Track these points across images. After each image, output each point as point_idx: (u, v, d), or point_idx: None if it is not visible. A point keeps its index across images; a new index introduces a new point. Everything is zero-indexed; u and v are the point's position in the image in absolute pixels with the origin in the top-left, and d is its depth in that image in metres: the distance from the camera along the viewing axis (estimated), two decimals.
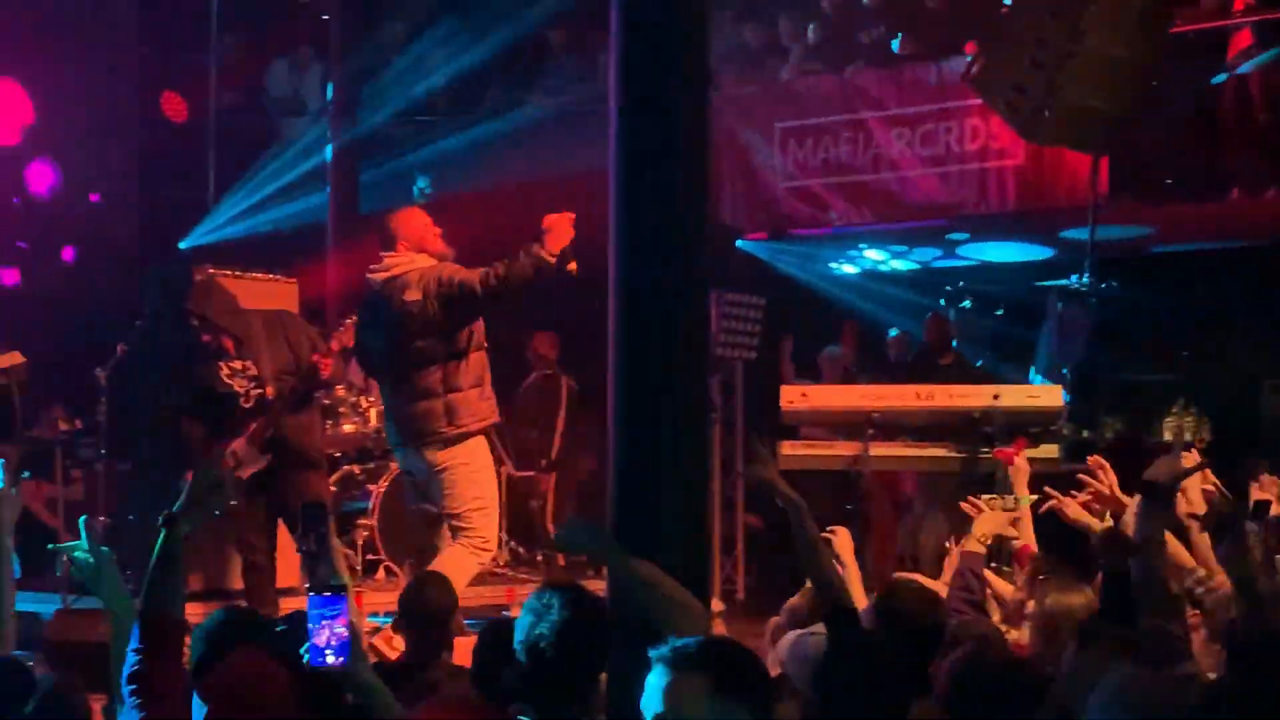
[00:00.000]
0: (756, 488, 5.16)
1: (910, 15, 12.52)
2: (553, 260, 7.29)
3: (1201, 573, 5.23)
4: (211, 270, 8.92)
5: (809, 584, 5.20)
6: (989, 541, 5.71)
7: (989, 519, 5.82)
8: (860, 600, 5.35)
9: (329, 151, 12.35)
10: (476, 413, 7.69)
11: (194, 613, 8.05)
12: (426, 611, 5.40)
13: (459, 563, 7.53)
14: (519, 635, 3.81)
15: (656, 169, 4.47)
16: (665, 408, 4.55)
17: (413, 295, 7.56)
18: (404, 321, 7.62)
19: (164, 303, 9.19)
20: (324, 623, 3.54)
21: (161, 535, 3.86)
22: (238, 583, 8.78)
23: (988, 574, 5.85)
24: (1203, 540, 5.44)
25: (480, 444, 7.78)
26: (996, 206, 11.66)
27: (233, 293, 8.37)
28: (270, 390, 8.11)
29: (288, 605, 8.04)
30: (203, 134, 13.12)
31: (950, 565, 6.17)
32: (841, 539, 6.12)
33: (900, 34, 12.44)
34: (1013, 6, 9.26)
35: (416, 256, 7.68)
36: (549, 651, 3.74)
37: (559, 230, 7.32)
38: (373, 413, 10.11)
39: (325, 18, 12.27)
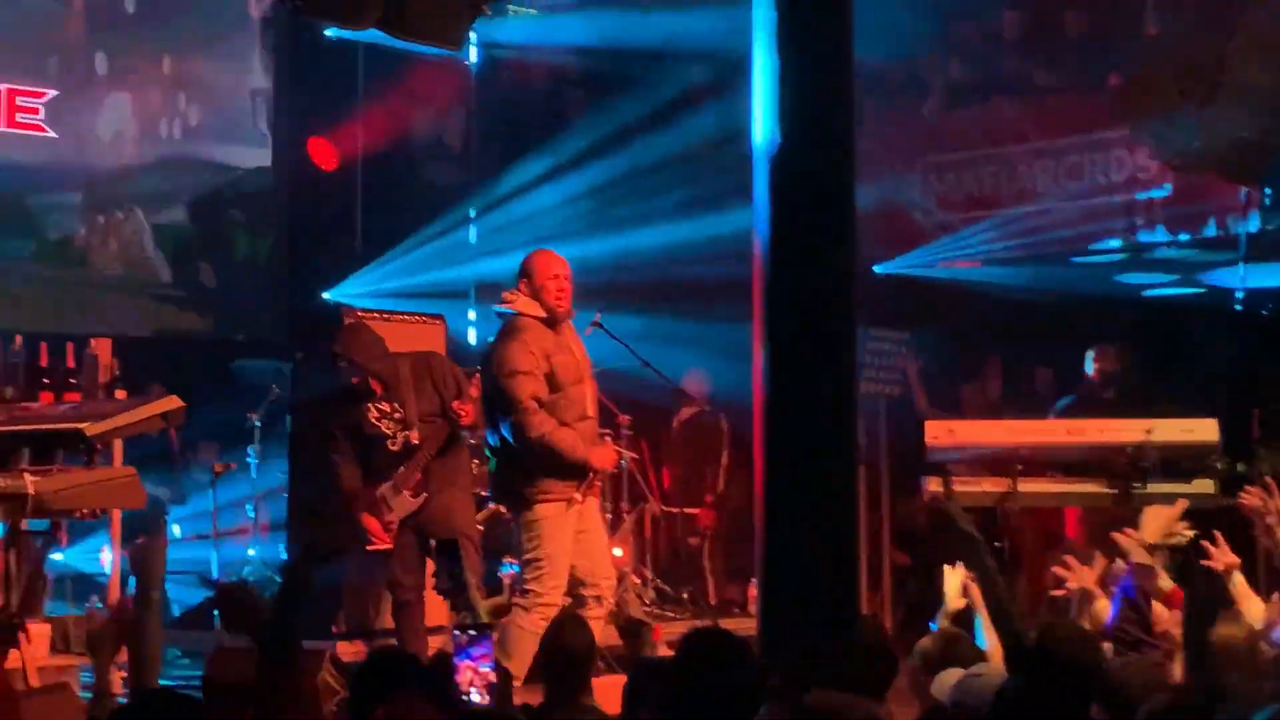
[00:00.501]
0: (910, 523, 5.12)
1: (1052, 47, 12.42)
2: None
3: None
4: (359, 313, 9.06)
5: (941, 626, 5.15)
6: (1160, 539, 5.51)
7: (1156, 515, 5.61)
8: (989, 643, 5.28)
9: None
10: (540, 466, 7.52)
11: (344, 652, 8.26)
12: (562, 654, 5.36)
13: (516, 624, 7.11)
14: (668, 679, 3.81)
15: (803, 214, 4.49)
16: (811, 445, 4.56)
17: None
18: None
19: (313, 346, 9.37)
20: (468, 661, 3.60)
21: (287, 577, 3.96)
22: (387, 622, 8.89)
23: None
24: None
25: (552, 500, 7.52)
26: (1145, 238, 11.51)
27: (381, 335, 8.50)
28: (416, 434, 8.21)
29: (436, 644, 8.15)
30: (349, 181, 13.35)
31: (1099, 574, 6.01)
32: (952, 580, 6.06)
33: (1042, 66, 12.35)
34: (1158, 36, 9.15)
35: (531, 303, 7.64)
36: (693, 698, 3.70)
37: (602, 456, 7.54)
38: None
39: (468, 63, 12.45)
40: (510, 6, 13.41)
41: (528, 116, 14.24)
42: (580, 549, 7.49)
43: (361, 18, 6.82)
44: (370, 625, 9.15)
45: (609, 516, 10.63)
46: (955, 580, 5.66)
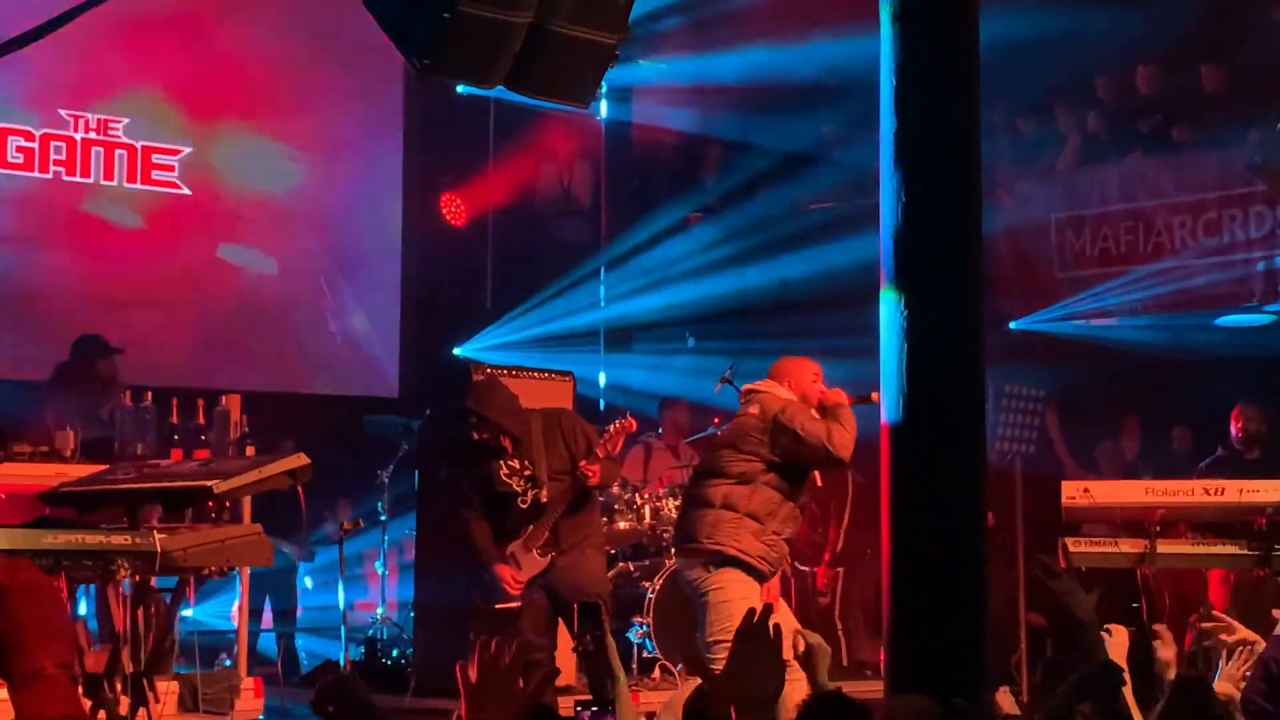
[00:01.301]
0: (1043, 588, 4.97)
1: (1188, 101, 12.25)
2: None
3: None
4: (488, 369, 9.10)
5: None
6: None
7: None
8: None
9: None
10: (741, 542, 7.59)
11: None
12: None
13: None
14: None
15: (929, 266, 4.43)
16: (940, 506, 4.47)
17: (754, 409, 7.65)
18: (731, 430, 7.77)
19: (442, 402, 9.41)
20: None
21: None
22: None
23: None
24: None
25: (743, 580, 7.54)
26: None
27: (513, 392, 8.52)
28: (545, 492, 8.20)
29: (566, 705, 8.10)
30: (479, 237, 13.45)
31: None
32: (1117, 640, 5.90)
33: (1179, 121, 12.18)
34: None
35: (789, 393, 7.77)
36: None
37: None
38: (647, 509, 10.15)
39: (599, 119, 12.52)
40: (639, 59, 13.48)
41: (658, 171, 14.31)
42: None
43: (490, 76, 6.84)
44: None
45: None
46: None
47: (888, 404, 4.68)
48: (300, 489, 6.33)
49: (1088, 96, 12.92)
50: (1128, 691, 4.91)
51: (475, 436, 8.24)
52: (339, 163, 13.00)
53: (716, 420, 11.42)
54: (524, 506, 8.19)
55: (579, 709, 3.68)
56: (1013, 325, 12.55)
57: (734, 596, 7.46)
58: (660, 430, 11.58)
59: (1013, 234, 12.80)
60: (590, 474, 8.10)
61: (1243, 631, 5.49)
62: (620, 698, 4.82)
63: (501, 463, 8.24)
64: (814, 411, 7.64)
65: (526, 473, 8.21)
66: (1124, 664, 5.68)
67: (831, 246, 12.43)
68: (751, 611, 3.36)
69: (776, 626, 3.56)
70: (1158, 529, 9.15)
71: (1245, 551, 9.04)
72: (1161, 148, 12.27)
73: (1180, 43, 12.20)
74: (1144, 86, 12.66)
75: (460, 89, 12.22)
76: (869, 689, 8.08)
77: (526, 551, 8.22)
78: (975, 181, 4.56)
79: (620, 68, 8.60)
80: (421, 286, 13.29)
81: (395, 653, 10.31)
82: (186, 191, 12.12)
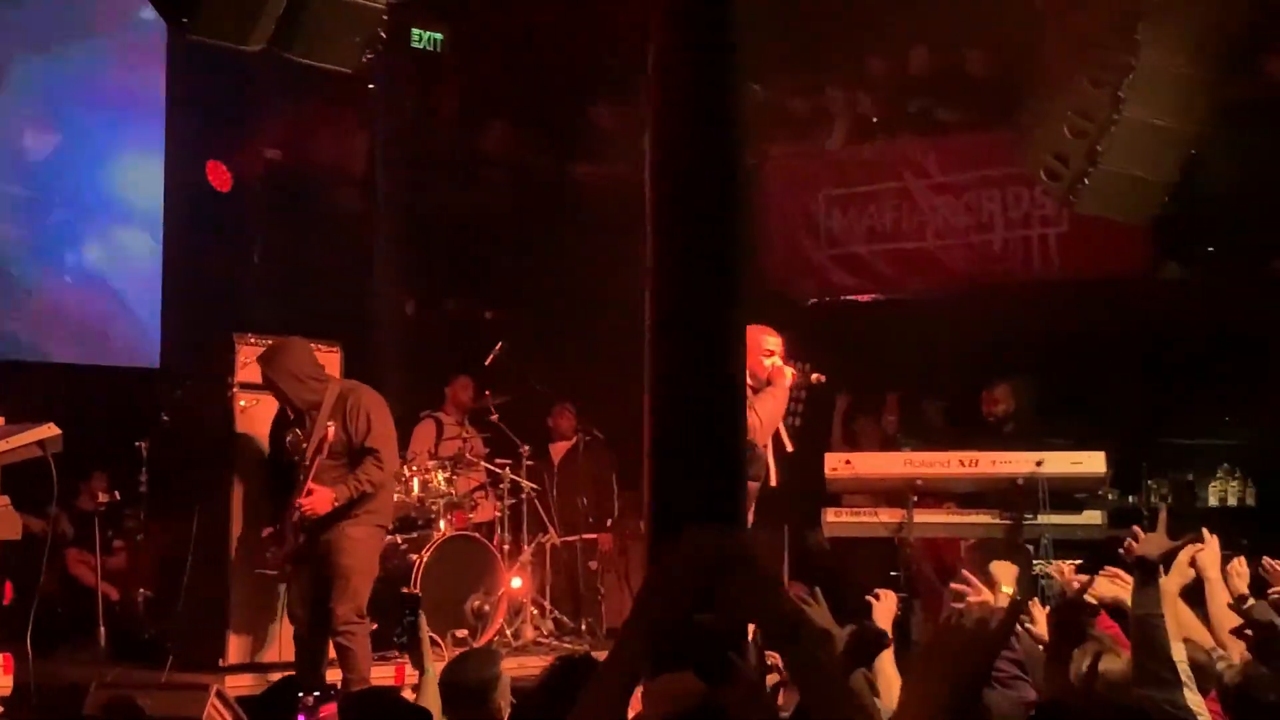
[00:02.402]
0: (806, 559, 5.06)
1: (956, 84, 12.56)
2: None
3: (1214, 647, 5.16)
4: (253, 338, 8.95)
5: None
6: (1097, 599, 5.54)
7: (1008, 570, 5.67)
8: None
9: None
10: None
11: (232, 685, 8.11)
12: (465, 686, 5.29)
13: None
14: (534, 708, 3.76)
15: (687, 240, 4.46)
16: (698, 473, 4.51)
17: None
18: None
19: (204, 372, 9.24)
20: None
21: None
22: (270, 655, 8.78)
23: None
24: (1220, 612, 5.36)
25: None
26: (1041, 274, 11.64)
27: (314, 359, 8.35)
28: (316, 465, 8.11)
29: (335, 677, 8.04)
30: (247, 203, 13.20)
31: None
32: (884, 605, 6.05)
33: (946, 103, 12.48)
34: (1052, 75, 9.25)
35: None
36: None
37: None
38: (416, 482, 10.07)
39: (370, 86, 12.35)
40: (414, 30, 13.36)
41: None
42: None
43: (252, 36, 6.75)
44: (261, 658, 8.98)
45: (507, 547, 10.58)
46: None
47: (650, 376, 4.69)
48: (52, 460, 6.17)
49: (859, 77, 13.16)
50: (889, 654, 5.06)
51: (242, 402, 8.15)
52: (99, 127, 12.64)
53: (488, 394, 11.43)
54: (300, 478, 8.11)
55: (301, 695, 3.68)
56: (780, 300, 12.74)
57: None
58: (445, 406, 11.52)
59: (783, 211, 12.99)
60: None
61: (987, 595, 5.67)
62: (424, 689, 4.77)
63: (291, 430, 8.15)
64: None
65: (303, 445, 8.12)
66: (889, 628, 5.83)
67: (603, 216, 12.47)
68: None
69: None
70: (915, 499, 9.44)
71: (997, 520, 9.37)
72: (928, 128, 12.56)
73: (949, 26, 12.49)
74: (914, 68, 12.94)
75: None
76: None
77: (289, 524, 8.15)
78: (737, 156, 4.61)
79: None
80: (186, 254, 13.00)
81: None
82: None
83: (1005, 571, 5.80)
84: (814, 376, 8.20)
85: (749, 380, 7.76)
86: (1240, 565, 5.66)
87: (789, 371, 7.87)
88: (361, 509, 8.15)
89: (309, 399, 8.12)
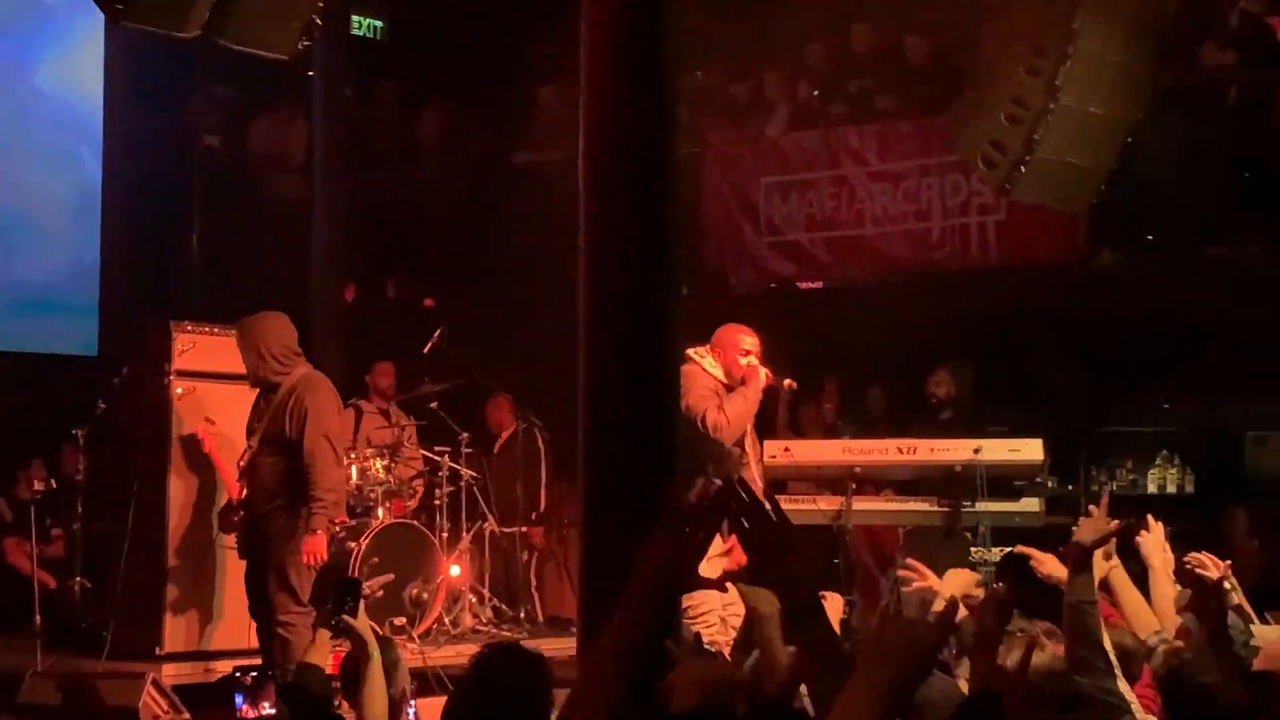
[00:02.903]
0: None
1: (895, 72, 12.61)
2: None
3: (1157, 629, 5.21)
4: (190, 326, 8.89)
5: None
6: (951, 597, 5.57)
7: (957, 579, 5.65)
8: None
9: None
10: None
11: (170, 674, 8.08)
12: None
13: None
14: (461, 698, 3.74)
15: (621, 228, 4.47)
16: (632, 460, 4.53)
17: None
18: None
19: (141, 360, 9.17)
20: (254, 703, 3.54)
21: None
22: (210, 643, 8.74)
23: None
24: (1163, 598, 5.41)
25: None
26: (978, 261, 11.71)
27: (283, 338, 8.19)
28: (250, 454, 8.06)
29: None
30: (187, 191, 13.11)
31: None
32: (830, 605, 6.06)
33: (884, 91, 12.53)
34: (990, 63, 9.30)
35: (715, 365, 7.83)
36: (484, 716, 3.63)
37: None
38: (354, 470, 10.03)
39: (310, 74, 12.27)
40: (354, 17, 13.30)
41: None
42: None
43: (187, 23, 6.70)
44: (203, 646, 8.93)
45: (446, 535, 10.56)
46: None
47: (585, 364, 4.70)
48: None
49: (799, 65, 13.18)
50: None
51: (179, 390, 8.11)
52: (34, 113, 12.52)
53: (427, 380, 11.40)
54: (242, 465, 8.06)
55: (237, 673, 3.63)
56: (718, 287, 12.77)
57: None
58: (370, 393, 11.46)
59: (723, 198, 13.01)
60: (305, 555, 7.88)
61: (934, 580, 5.68)
62: (369, 678, 4.72)
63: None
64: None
65: (253, 425, 8.08)
66: (835, 628, 5.83)
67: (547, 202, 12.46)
68: None
69: None
70: (854, 487, 9.46)
71: (936, 508, 9.41)
72: (867, 116, 12.60)
73: (887, 14, 12.54)
74: (851, 56, 12.98)
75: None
76: (567, 645, 8.17)
77: (232, 508, 8.13)
78: (670, 142, 4.62)
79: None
80: (124, 241, 12.90)
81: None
82: None
83: (956, 581, 5.73)
84: (786, 383, 8.29)
85: (724, 379, 7.84)
86: (1155, 532, 5.74)
87: (763, 373, 7.92)
88: (303, 499, 8.05)
89: (265, 378, 8.01)
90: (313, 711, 4.60)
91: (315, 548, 7.84)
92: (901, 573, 5.90)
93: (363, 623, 4.79)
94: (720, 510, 2.96)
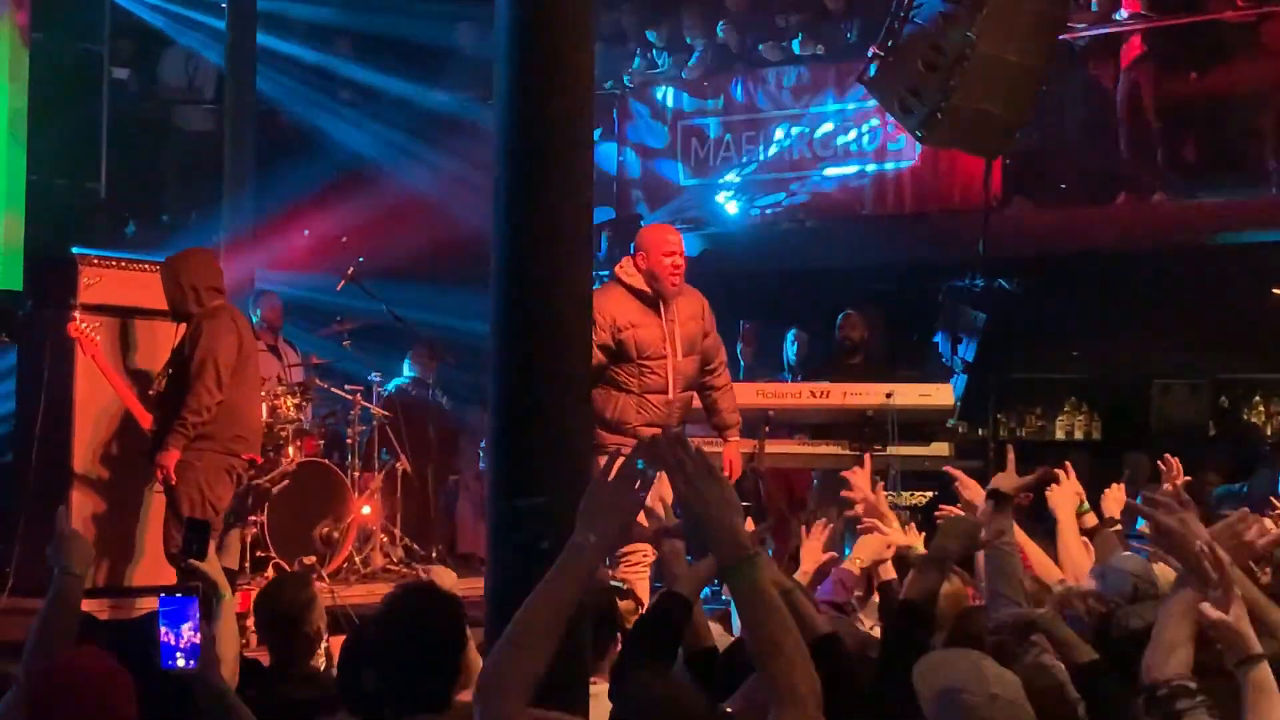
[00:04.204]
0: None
1: (812, 17, 12.61)
2: None
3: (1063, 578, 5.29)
4: (96, 259, 8.76)
5: None
6: (865, 566, 5.60)
7: (869, 545, 5.66)
8: None
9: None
10: None
11: (99, 608, 7.97)
12: (278, 613, 5.07)
13: None
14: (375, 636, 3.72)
15: (533, 175, 4.43)
16: (541, 399, 4.50)
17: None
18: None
19: (48, 294, 9.04)
20: (174, 625, 3.49)
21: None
22: (130, 578, 8.65)
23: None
24: (1071, 547, 5.49)
25: None
26: (893, 208, 11.77)
27: (203, 272, 8.05)
28: (159, 385, 7.98)
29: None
30: (94, 124, 12.90)
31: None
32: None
33: (801, 35, 12.53)
34: (906, 10, 9.32)
35: (634, 274, 7.62)
36: (398, 656, 3.63)
37: None
38: (263, 408, 9.93)
39: (223, 5, 12.09)
40: None
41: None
42: None
43: None
44: (121, 582, 8.81)
45: (358, 475, 10.50)
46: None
47: (495, 307, 4.66)
48: None
49: (717, 7, 13.15)
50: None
51: (85, 325, 7.99)
52: None
53: (339, 319, 11.30)
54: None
55: (161, 596, 3.64)
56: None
57: None
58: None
59: (642, 146, 13.00)
60: (159, 473, 7.79)
61: (894, 533, 5.66)
62: (222, 617, 4.68)
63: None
64: None
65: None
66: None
67: (459, 145, 12.40)
68: None
69: None
70: (767, 430, 9.52)
71: (847, 451, 9.48)
72: (784, 60, 12.60)
73: None
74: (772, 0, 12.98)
75: None
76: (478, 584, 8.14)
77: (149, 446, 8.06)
78: (586, 93, 4.58)
79: None
80: (43, 174, 12.66)
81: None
82: None
83: (867, 549, 5.73)
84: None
85: (645, 285, 7.59)
86: (1117, 491, 5.80)
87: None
88: (199, 435, 7.91)
89: (180, 310, 7.94)
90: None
91: (165, 462, 7.74)
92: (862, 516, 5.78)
93: (213, 565, 4.74)
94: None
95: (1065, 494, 5.65)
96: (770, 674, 2.89)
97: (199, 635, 3.61)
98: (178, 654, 3.52)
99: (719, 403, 8.00)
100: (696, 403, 8.02)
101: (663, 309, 7.65)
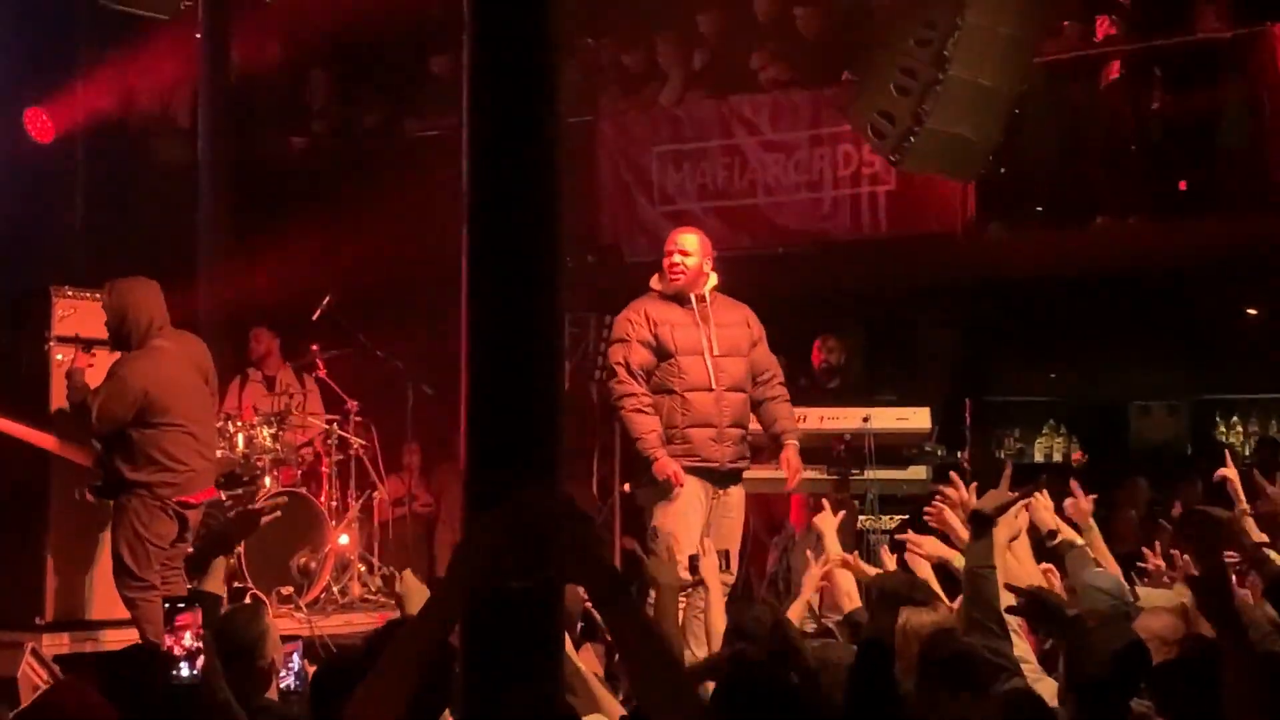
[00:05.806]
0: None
1: (787, 43, 12.61)
2: None
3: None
4: (70, 291, 8.72)
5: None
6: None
7: (845, 580, 5.76)
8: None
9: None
10: None
11: (50, 644, 7.93)
12: (235, 643, 4.90)
13: None
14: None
15: (503, 196, 4.40)
16: (516, 426, 4.47)
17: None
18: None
19: (21, 325, 8.99)
20: (177, 634, 3.49)
21: None
22: (93, 612, 8.60)
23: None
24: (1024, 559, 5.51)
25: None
26: (869, 232, 11.77)
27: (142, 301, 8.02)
28: None
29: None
30: (69, 154, 12.86)
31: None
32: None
33: (777, 61, 12.54)
34: (880, 35, 9.33)
35: (658, 279, 8.04)
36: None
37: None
38: (240, 438, 9.91)
39: (198, 36, 12.06)
40: None
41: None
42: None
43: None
44: (80, 616, 8.76)
45: (335, 504, 10.47)
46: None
47: (468, 332, 4.63)
48: None
49: (692, 34, 13.16)
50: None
51: (59, 356, 7.98)
52: None
53: (315, 347, 11.27)
54: None
55: (165, 604, 3.62)
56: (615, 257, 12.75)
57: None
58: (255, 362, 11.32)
59: (615, 168, 12.97)
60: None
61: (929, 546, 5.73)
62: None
63: None
64: None
65: None
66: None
67: (436, 173, 12.34)
68: None
69: None
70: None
71: (824, 476, 9.48)
72: (760, 86, 12.61)
73: None
74: (746, 25, 12.97)
75: None
76: None
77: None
78: (551, 110, 4.55)
79: None
80: (6, 205, 12.62)
81: None
82: None
83: (825, 522, 5.83)
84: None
85: (663, 287, 7.96)
86: (1044, 498, 5.84)
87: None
88: (133, 480, 7.85)
89: (117, 341, 7.95)
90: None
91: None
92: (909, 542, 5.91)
93: (215, 580, 4.74)
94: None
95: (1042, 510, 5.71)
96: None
97: (201, 644, 3.58)
98: (182, 664, 3.50)
99: (775, 411, 8.20)
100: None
101: (695, 307, 7.97)
